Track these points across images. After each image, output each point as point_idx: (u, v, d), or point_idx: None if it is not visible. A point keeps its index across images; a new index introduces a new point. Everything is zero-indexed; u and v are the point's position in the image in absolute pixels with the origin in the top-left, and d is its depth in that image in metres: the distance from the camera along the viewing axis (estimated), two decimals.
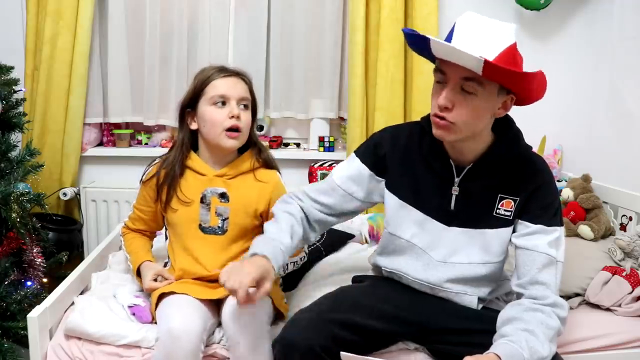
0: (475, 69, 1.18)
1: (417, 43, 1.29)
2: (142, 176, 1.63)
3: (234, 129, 1.51)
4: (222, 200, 1.56)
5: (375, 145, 1.46)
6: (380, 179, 1.46)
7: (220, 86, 1.52)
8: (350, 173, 1.46)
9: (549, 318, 1.25)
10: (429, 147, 1.40)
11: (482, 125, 1.30)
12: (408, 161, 1.43)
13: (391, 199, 1.44)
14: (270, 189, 1.59)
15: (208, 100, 1.52)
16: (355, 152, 1.49)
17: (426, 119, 1.44)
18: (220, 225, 1.56)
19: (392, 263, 1.48)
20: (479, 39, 1.20)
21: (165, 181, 1.57)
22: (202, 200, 1.56)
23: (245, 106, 1.55)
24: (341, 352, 1.17)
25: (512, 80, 1.22)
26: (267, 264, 1.25)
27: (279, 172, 1.66)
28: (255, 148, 1.63)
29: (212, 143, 1.55)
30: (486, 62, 1.14)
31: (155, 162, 1.63)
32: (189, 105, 1.57)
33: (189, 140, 1.59)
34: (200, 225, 1.56)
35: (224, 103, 1.52)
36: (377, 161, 1.45)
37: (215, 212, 1.56)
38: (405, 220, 1.43)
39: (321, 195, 1.47)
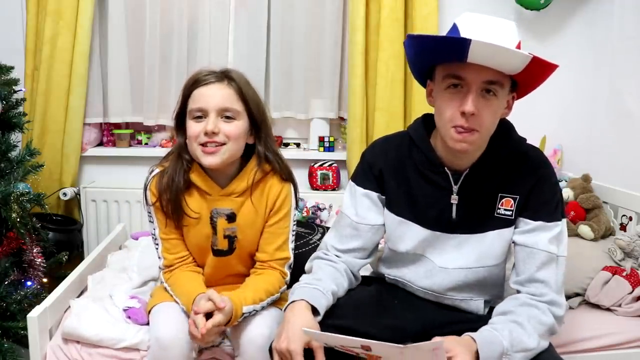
0: (515, 67, 1.14)
1: (430, 46, 1.19)
2: (145, 199, 1.48)
3: (208, 144, 1.38)
4: (230, 222, 1.47)
5: (370, 167, 1.40)
6: (383, 196, 1.41)
7: (198, 98, 1.39)
8: (362, 205, 1.41)
9: (543, 314, 1.24)
10: (421, 157, 1.36)
11: (494, 128, 1.26)
12: (401, 174, 1.38)
13: (390, 217, 1.40)
14: (273, 198, 1.49)
15: (189, 114, 1.41)
16: (354, 181, 1.43)
17: (414, 129, 1.40)
18: (229, 246, 1.49)
19: (395, 271, 1.46)
20: (494, 38, 1.11)
21: (170, 200, 1.43)
22: (210, 222, 1.47)
23: (229, 117, 1.40)
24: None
25: (541, 77, 1.20)
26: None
27: (294, 183, 1.53)
28: (260, 156, 1.48)
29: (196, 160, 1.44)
30: (534, 58, 1.11)
31: (153, 174, 1.47)
32: (182, 117, 1.45)
33: (185, 151, 1.45)
34: (212, 247, 1.49)
35: (203, 116, 1.39)
36: (376, 180, 1.40)
37: (224, 235, 1.47)
38: (405, 235, 1.39)
39: (351, 242, 1.41)
